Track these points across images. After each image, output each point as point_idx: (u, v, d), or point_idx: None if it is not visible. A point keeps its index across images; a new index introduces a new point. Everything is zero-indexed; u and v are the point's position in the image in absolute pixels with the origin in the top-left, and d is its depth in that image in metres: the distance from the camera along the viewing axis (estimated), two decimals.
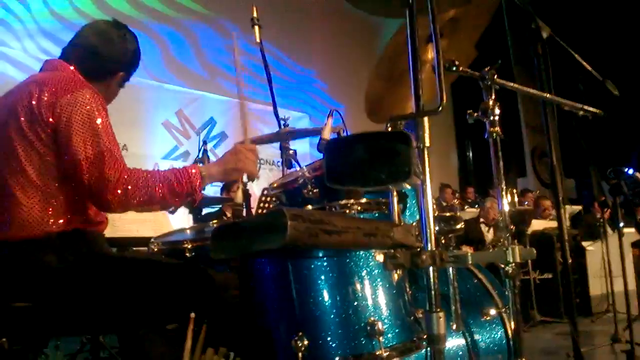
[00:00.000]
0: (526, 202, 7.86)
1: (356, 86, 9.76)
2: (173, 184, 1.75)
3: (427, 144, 1.19)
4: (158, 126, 7.56)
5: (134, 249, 3.18)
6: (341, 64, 9.79)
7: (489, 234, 6.57)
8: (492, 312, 2.07)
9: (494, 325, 2.08)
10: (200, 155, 3.43)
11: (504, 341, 2.06)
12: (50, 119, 1.70)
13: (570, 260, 5.66)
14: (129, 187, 1.68)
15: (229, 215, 4.58)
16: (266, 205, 3.98)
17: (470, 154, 10.94)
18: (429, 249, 1.14)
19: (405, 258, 1.07)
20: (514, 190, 8.09)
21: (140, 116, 7.18)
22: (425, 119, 1.18)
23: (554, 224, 5.94)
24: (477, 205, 8.09)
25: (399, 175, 0.95)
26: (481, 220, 6.65)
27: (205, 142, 3.45)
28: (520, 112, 10.49)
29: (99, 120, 1.72)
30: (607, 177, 4.34)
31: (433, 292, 1.14)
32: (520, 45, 10.51)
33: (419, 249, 1.10)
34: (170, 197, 1.75)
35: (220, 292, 1.75)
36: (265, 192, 4.21)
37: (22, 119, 1.73)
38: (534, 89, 2.08)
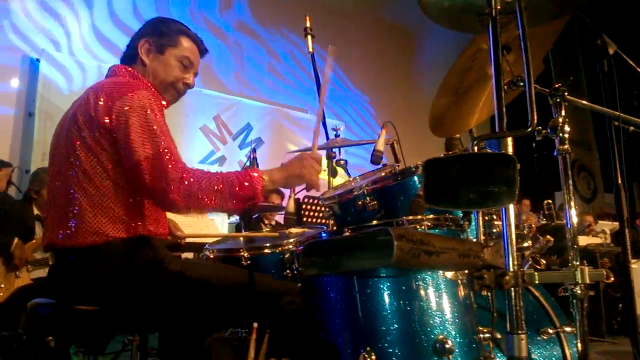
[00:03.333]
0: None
1: (388, 96, 9.79)
2: (235, 186, 1.73)
3: None
4: (196, 131, 7.65)
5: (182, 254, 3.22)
6: (376, 73, 9.79)
7: None
8: (550, 330, 2.03)
9: (551, 344, 2.05)
10: (249, 163, 3.45)
11: None
12: (107, 124, 1.73)
13: (612, 279, 5.54)
14: (192, 187, 1.68)
15: (267, 222, 4.60)
16: (310, 213, 3.99)
17: None
18: (511, 269, 1.12)
19: (491, 279, 1.05)
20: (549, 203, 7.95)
21: (179, 121, 7.27)
22: (509, 138, 1.16)
23: (597, 240, 5.83)
24: None
25: (503, 198, 0.94)
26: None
27: (254, 150, 3.47)
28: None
29: (155, 121, 1.74)
30: None
31: (516, 313, 1.12)
32: (563, 64, 10.36)
33: (503, 270, 1.09)
34: (231, 199, 1.74)
35: (280, 300, 1.75)
36: (306, 199, 4.23)
37: (82, 126, 1.76)
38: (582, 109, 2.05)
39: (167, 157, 1.69)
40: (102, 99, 1.75)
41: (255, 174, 1.79)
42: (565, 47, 10.07)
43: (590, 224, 6.46)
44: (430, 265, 1.03)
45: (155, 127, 1.73)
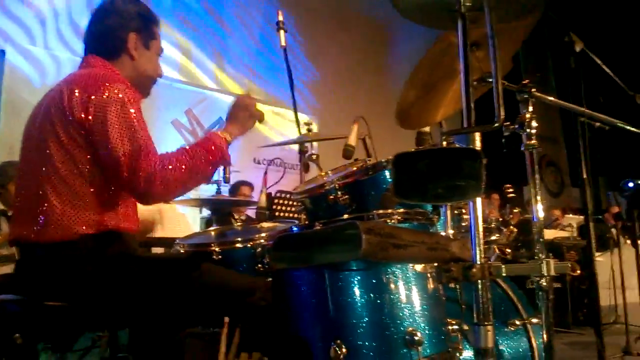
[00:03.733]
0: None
1: (361, 90, 9.79)
2: (205, 155, 1.79)
3: None
4: (167, 125, 7.56)
5: (153, 249, 3.19)
6: (348, 67, 9.80)
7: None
8: (517, 322, 2.07)
9: (518, 336, 2.09)
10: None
11: (529, 352, 2.07)
12: (83, 118, 1.69)
13: (578, 271, 5.67)
14: (167, 172, 1.69)
15: (237, 216, 4.57)
16: (282, 208, 3.99)
17: None
18: (478, 262, 1.15)
19: (458, 271, 1.07)
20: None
21: (150, 114, 7.09)
22: (477, 133, 1.18)
23: (564, 233, 5.96)
24: None
25: (470, 192, 0.95)
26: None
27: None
28: None
29: (133, 114, 1.72)
30: (619, 187, 4.34)
31: (483, 305, 1.15)
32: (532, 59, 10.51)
33: (470, 263, 1.11)
34: (206, 167, 1.80)
35: (248, 295, 1.75)
36: (279, 194, 4.23)
37: (55, 120, 1.73)
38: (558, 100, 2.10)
39: (144, 150, 1.68)
40: (76, 92, 1.71)
41: (217, 137, 1.86)
42: (535, 44, 10.24)
43: (558, 218, 6.60)
44: (398, 258, 1.05)
45: (133, 122, 1.71)
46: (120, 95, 1.71)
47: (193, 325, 2.00)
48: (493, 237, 1.93)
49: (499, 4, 1.47)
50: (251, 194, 5.31)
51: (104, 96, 1.70)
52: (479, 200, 1.15)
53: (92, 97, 1.70)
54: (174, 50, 7.84)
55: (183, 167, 1.72)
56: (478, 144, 1.19)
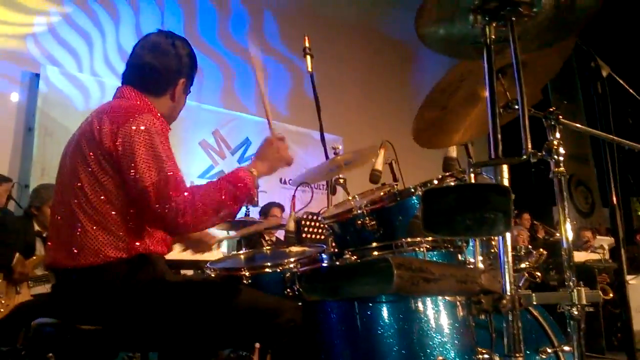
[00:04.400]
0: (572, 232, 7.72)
1: (386, 112, 9.76)
2: (233, 191, 1.79)
3: None
4: (195, 145, 7.69)
5: (182, 271, 3.23)
6: (374, 88, 9.85)
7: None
8: (549, 350, 2.05)
9: None
10: None
11: None
12: (112, 148, 1.74)
13: (610, 295, 5.57)
14: (197, 205, 1.70)
15: (267, 238, 4.61)
16: (310, 230, 4.01)
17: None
18: (509, 293, 1.15)
19: (488, 303, 1.08)
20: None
21: (178, 135, 7.30)
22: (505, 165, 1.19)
23: (595, 256, 5.84)
24: None
25: (499, 225, 0.97)
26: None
27: None
28: None
29: (160, 145, 1.75)
30: None
31: (513, 337, 1.15)
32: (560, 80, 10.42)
33: (500, 294, 1.11)
34: (233, 204, 1.80)
35: (277, 317, 1.76)
36: (306, 216, 4.25)
37: (85, 149, 1.78)
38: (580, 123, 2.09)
39: (172, 183, 1.71)
40: (106, 124, 1.77)
41: (243, 173, 1.86)
42: (563, 68, 10.16)
43: (589, 240, 6.47)
44: (429, 292, 1.06)
45: (160, 152, 1.74)
46: (148, 126, 1.75)
47: (223, 347, 2.02)
48: (522, 265, 1.92)
49: (527, 34, 1.49)
50: (282, 215, 5.35)
51: (132, 127, 1.74)
52: (508, 232, 1.15)
53: (121, 128, 1.74)
54: (203, 72, 8.00)
55: (213, 203, 1.74)
56: (506, 175, 1.20)
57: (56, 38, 6.82)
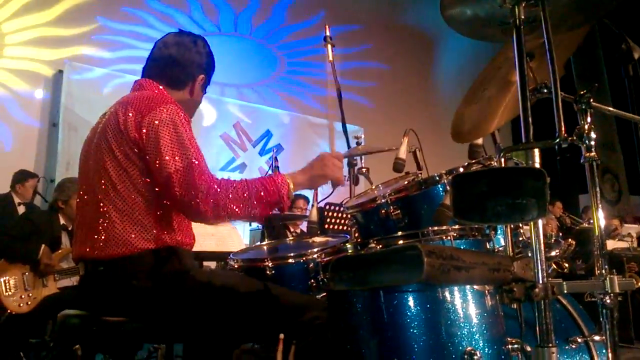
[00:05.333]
0: (589, 220, 7.60)
1: (408, 101, 9.71)
2: (261, 192, 1.75)
3: None
4: (217, 138, 7.73)
5: (204, 263, 3.24)
6: (395, 78, 9.77)
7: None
8: (579, 339, 2.00)
9: (580, 353, 2.02)
10: (271, 172, 3.46)
11: None
12: (137, 137, 1.75)
13: (639, 284, 5.44)
14: (220, 197, 1.69)
15: (292, 229, 4.60)
16: (332, 220, 4.00)
17: None
18: (541, 281, 1.11)
19: (520, 292, 1.05)
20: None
21: (199, 129, 7.36)
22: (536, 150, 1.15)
23: (623, 244, 5.73)
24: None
25: (533, 211, 0.93)
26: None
27: (276, 158, 3.49)
28: None
29: (184, 133, 1.76)
30: None
31: (546, 326, 1.11)
32: (585, 65, 10.19)
33: (532, 283, 1.08)
34: (258, 206, 1.75)
35: (303, 314, 1.75)
36: (328, 206, 4.23)
37: (111, 140, 1.79)
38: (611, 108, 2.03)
39: (196, 169, 1.71)
40: (131, 114, 1.78)
41: (280, 179, 1.81)
42: (587, 50, 9.94)
43: (616, 228, 6.35)
44: (460, 281, 1.03)
45: (185, 140, 1.75)
46: (172, 116, 1.77)
47: (247, 341, 2.01)
48: (553, 253, 1.87)
49: (555, 15, 1.44)
50: (307, 207, 5.34)
51: (157, 117, 1.75)
52: (540, 220, 1.12)
53: (146, 117, 1.75)
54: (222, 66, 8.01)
55: (237, 198, 1.72)
56: (537, 159, 1.16)
57: (80, 34, 6.90)
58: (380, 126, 8.92)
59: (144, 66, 2.05)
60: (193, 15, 7.84)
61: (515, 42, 1.27)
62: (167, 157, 1.71)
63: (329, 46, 2.94)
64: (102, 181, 1.79)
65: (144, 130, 1.74)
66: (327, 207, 4.14)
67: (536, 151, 1.17)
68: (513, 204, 0.95)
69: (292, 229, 4.62)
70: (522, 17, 1.30)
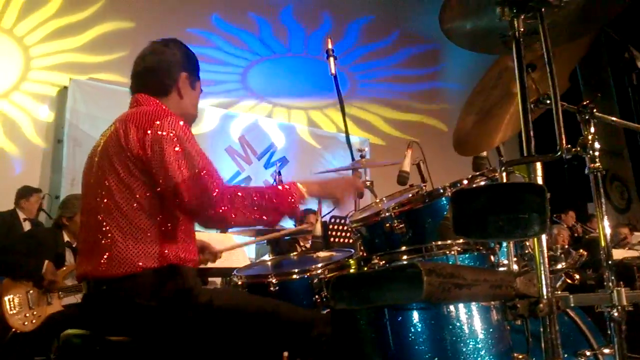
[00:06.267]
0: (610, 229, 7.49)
1: (413, 112, 9.73)
2: (273, 199, 1.75)
3: None
4: (221, 152, 7.73)
5: (209, 279, 3.22)
6: (399, 89, 9.79)
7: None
8: (588, 353, 1.97)
9: None
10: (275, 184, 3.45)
11: None
12: (141, 153, 1.74)
13: None
14: (232, 202, 1.69)
15: (302, 243, 4.58)
16: (338, 233, 3.98)
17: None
18: (546, 297, 1.09)
19: (524, 308, 1.03)
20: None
21: (204, 142, 7.38)
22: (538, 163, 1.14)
23: (633, 253, 5.66)
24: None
25: (534, 226, 0.92)
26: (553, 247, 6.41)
27: (279, 173, 3.48)
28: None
29: (188, 143, 1.75)
30: None
31: (551, 342, 1.09)
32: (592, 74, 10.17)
33: (536, 298, 1.06)
34: (272, 212, 1.75)
35: (307, 331, 1.73)
36: (334, 219, 4.21)
37: (114, 158, 1.78)
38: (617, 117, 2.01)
39: (205, 175, 1.71)
40: (132, 130, 1.77)
41: (294, 186, 1.81)
42: (593, 60, 9.90)
43: (626, 237, 6.28)
44: (461, 299, 1.01)
45: (190, 150, 1.74)
46: (175, 128, 1.76)
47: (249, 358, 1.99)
48: (559, 266, 1.85)
49: (556, 26, 1.43)
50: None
51: (159, 131, 1.74)
52: (543, 235, 1.10)
53: (148, 133, 1.74)
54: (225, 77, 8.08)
55: (252, 203, 1.71)
56: (539, 172, 1.14)
57: (85, 51, 6.96)
58: (386, 137, 8.95)
59: (130, 85, 2.04)
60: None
61: (515, 54, 1.26)
62: (173, 170, 1.70)
63: (331, 59, 2.95)
64: (105, 200, 1.78)
65: (148, 146, 1.73)
66: (333, 220, 4.12)
67: (538, 164, 1.15)
68: (514, 220, 0.94)
69: (302, 243, 4.60)
70: (522, 29, 1.29)
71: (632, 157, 10.77)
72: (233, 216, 1.69)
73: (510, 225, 0.95)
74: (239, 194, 1.71)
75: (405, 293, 0.89)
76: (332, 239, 3.77)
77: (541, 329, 1.13)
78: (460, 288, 0.89)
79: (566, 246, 6.15)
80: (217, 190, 1.69)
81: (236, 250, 3.16)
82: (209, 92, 7.60)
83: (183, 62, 2.02)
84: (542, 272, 1.11)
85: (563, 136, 1.08)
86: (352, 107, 8.87)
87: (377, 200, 2.36)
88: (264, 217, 1.75)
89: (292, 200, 1.78)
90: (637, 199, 10.64)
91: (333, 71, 2.93)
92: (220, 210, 1.67)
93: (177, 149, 1.72)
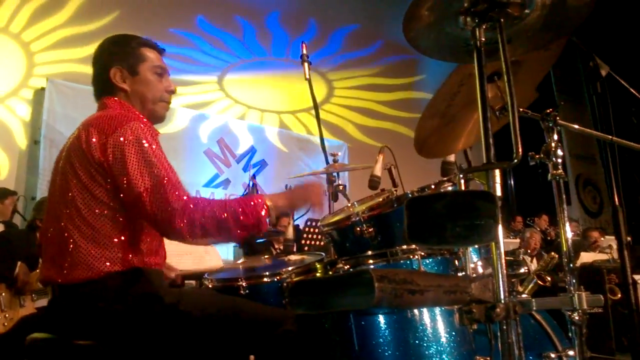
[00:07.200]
0: (572, 232, 7.64)
1: (389, 118, 9.81)
2: (239, 215, 1.71)
3: (499, 194, 1.17)
4: (200, 154, 7.70)
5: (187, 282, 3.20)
6: (377, 95, 9.86)
7: (532, 265, 6.43)
8: (552, 355, 2.01)
9: None
10: (248, 191, 3.46)
11: None
12: (102, 158, 1.72)
13: (619, 295, 5.50)
14: (195, 215, 1.66)
15: (277, 246, 4.58)
16: (313, 236, 4.00)
17: (512, 182, 10.68)
18: (503, 301, 1.12)
19: (480, 313, 1.05)
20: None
21: (183, 145, 7.36)
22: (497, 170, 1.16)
23: (603, 256, 5.77)
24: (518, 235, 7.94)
25: (489, 232, 0.94)
26: (523, 250, 6.51)
27: (254, 177, 3.48)
28: (563, 139, 10.18)
29: (150, 150, 1.72)
30: None
31: (508, 346, 1.12)
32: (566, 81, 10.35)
33: (493, 303, 1.08)
34: (235, 228, 1.71)
35: (275, 328, 1.73)
36: (309, 223, 4.23)
37: (76, 163, 1.77)
38: (585, 125, 2.06)
39: (168, 186, 1.68)
40: (94, 136, 1.75)
41: (259, 201, 1.77)
42: (567, 65, 10.07)
43: (596, 240, 6.39)
44: (414, 304, 1.03)
45: (152, 158, 1.72)
46: (137, 134, 1.73)
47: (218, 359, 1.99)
48: (522, 270, 1.89)
49: (521, 34, 1.46)
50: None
51: (121, 137, 1.72)
52: (501, 239, 1.12)
53: (110, 138, 1.72)
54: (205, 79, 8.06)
55: (213, 218, 1.69)
56: (498, 180, 1.17)
57: (62, 51, 6.89)
58: (363, 142, 9.02)
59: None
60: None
61: (476, 63, 1.28)
62: (135, 177, 1.68)
63: (306, 64, 2.97)
64: (67, 205, 1.76)
65: (109, 152, 1.71)
66: (309, 223, 4.14)
67: (497, 172, 1.18)
68: (471, 226, 0.96)
69: (276, 246, 4.60)
70: (483, 39, 1.31)
71: (605, 163, 10.93)
72: (197, 230, 1.67)
73: (467, 232, 0.98)
74: (204, 208, 1.68)
75: (359, 299, 0.90)
76: (307, 242, 3.78)
77: (499, 334, 1.16)
78: (413, 294, 0.91)
79: (538, 249, 6.26)
80: (181, 203, 1.66)
81: (209, 251, 3.15)
82: (184, 93, 7.60)
83: (108, 57, 1.97)
84: (500, 277, 1.13)
85: (519, 144, 1.11)
86: (328, 113, 8.92)
87: (349, 205, 2.38)
88: (227, 233, 1.72)
89: (258, 216, 1.74)
90: (608, 203, 10.80)
91: (307, 76, 2.95)
92: (181, 225, 1.65)
93: (139, 156, 1.70)
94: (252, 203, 1.75)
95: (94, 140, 1.75)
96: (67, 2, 7.06)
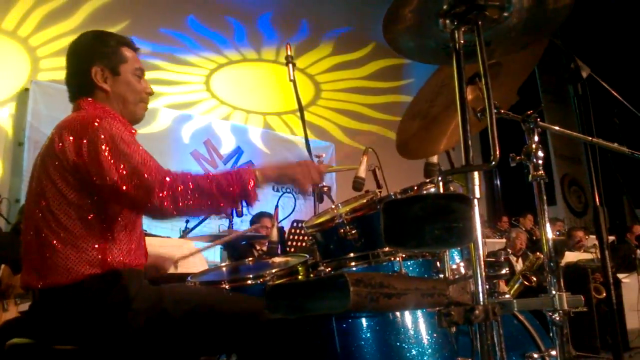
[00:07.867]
0: (557, 232, 7.71)
1: (376, 120, 9.85)
2: (224, 185, 1.68)
3: (477, 195, 1.18)
4: (187, 156, 7.67)
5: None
6: (368, 96, 9.90)
7: (517, 264, 6.47)
8: (535, 355, 2.02)
9: None
10: None
11: None
12: (76, 159, 1.70)
13: (604, 294, 5.55)
14: (176, 188, 1.63)
15: (258, 247, 4.57)
16: (299, 237, 3.99)
17: (498, 182, 10.81)
18: (482, 303, 1.12)
19: (459, 315, 1.05)
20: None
21: (169, 146, 7.32)
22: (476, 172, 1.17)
23: (587, 255, 5.82)
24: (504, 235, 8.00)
25: (462, 238, 0.94)
26: (509, 250, 6.55)
27: None
28: (548, 139, 10.36)
29: (122, 143, 1.69)
30: None
31: (487, 348, 1.12)
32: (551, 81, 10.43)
33: (471, 305, 1.09)
34: (221, 199, 1.68)
35: (258, 317, 1.71)
36: (295, 224, 4.22)
37: (50, 167, 1.75)
38: (569, 126, 2.08)
39: (143, 169, 1.65)
40: (69, 138, 1.73)
41: (246, 171, 1.73)
42: (552, 66, 10.15)
43: (580, 240, 6.45)
44: (391, 308, 1.04)
45: (124, 149, 1.68)
46: (110, 130, 1.71)
47: (203, 355, 1.97)
48: (503, 272, 1.90)
49: (501, 36, 1.47)
50: (273, 225, 5.28)
51: (93, 136, 1.70)
52: (480, 241, 1.13)
53: (83, 139, 1.70)
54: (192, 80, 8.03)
55: (197, 189, 1.65)
56: (477, 182, 1.17)
57: (47, 52, 6.83)
58: (350, 143, 9.03)
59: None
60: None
61: (455, 66, 1.29)
62: (109, 168, 1.65)
63: (290, 65, 2.96)
64: (42, 210, 1.75)
65: (84, 151, 1.69)
66: (295, 224, 4.13)
67: (476, 174, 1.19)
68: (449, 228, 0.96)
69: (258, 247, 4.59)
70: (462, 41, 1.32)
71: (588, 163, 11.03)
72: (178, 204, 1.63)
73: (445, 234, 0.98)
74: (183, 180, 1.65)
75: (335, 303, 0.90)
76: (291, 244, 3.78)
77: (477, 336, 1.16)
78: (390, 297, 0.91)
79: (524, 249, 6.30)
80: (159, 178, 1.63)
81: (195, 255, 3.14)
82: (169, 92, 7.57)
83: (90, 55, 1.93)
84: (479, 278, 1.13)
85: (497, 146, 1.11)
86: (314, 115, 8.93)
87: (333, 206, 2.38)
88: (214, 203, 1.68)
89: (245, 184, 1.70)
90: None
91: (292, 77, 2.94)
92: (161, 196, 1.61)
93: (112, 150, 1.67)
94: (239, 174, 1.72)
95: (67, 142, 1.73)
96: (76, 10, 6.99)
